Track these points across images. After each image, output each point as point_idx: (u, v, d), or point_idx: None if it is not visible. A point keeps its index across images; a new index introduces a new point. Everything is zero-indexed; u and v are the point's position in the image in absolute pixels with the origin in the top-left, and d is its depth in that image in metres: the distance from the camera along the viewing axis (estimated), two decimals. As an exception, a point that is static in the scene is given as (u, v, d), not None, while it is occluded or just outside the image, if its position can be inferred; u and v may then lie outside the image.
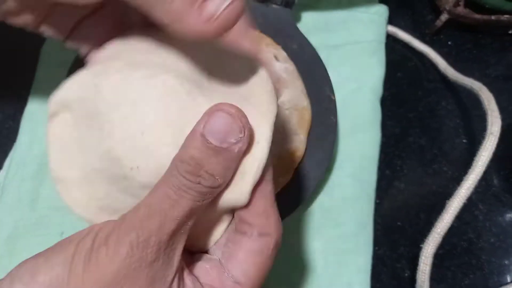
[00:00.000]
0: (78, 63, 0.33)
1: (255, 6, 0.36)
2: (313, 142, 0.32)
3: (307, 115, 0.33)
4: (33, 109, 0.36)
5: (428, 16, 0.43)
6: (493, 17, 0.38)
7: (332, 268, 0.32)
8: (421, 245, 0.32)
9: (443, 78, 0.39)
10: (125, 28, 0.24)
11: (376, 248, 0.34)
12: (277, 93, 0.22)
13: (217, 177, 0.18)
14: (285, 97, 0.33)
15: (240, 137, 0.18)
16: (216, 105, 0.18)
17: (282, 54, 0.34)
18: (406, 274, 0.33)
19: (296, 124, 0.32)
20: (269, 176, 0.20)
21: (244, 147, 0.19)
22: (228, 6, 0.17)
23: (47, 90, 0.36)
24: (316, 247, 0.32)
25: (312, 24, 0.39)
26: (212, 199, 0.19)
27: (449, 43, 0.41)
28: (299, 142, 0.32)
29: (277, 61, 0.34)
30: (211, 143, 0.18)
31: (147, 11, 0.18)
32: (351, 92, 0.37)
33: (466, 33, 0.41)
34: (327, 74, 0.34)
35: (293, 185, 0.31)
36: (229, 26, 0.17)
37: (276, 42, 0.35)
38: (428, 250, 0.31)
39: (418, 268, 0.31)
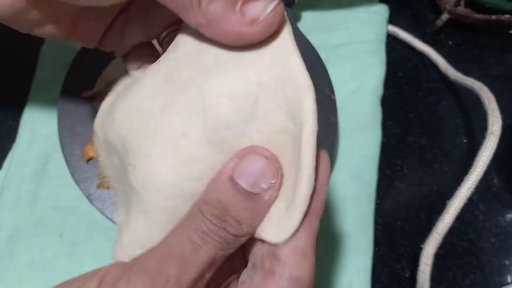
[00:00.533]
0: (78, 64, 0.33)
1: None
2: (313, 142, 0.32)
3: (307, 115, 0.33)
4: (33, 109, 0.36)
5: (429, 15, 0.42)
6: (493, 17, 0.38)
7: (332, 268, 0.32)
8: (421, 245, 0.32)
9: (444, 78, 0.39)
10: (152, 27, 0.23)
11: (377, 248, 0.34)
12: None
13: (243, 225, 0.17)
14: (285, 97, 0.33)
15: (272, 183, 0.17)
16: (248, 147, 0.17)
17: (282, 54, 0.34)
18: (406, 275, 0.33)
19: (296, 124, 0.32)
20: (317, 210, 0.17)
21: (275, 195, 0.17)
22: (273, 9, 0.16)
23: (47, 90, 0.36)
24: (316, 246, 0.32)
25: (312, 24, 0.39)
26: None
27: (450, 43, 0.41)
28: (299, 142, 0.32)
29: (277, 61, 0.34)
30: (241, 187, 0.16)
31: (179, 12, 0.17)
32: (352, 92, 0.37)
33: (467, 33, 0.41)
34: (327, 74, 0.34)
35: (293, 185, 0.31)
36: (272, 29, 0.17)
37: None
38: (429, 250, 0.31)
39: (418, 268, 0.31)
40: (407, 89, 0.40)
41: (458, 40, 0.41)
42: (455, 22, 0.40)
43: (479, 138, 0.36)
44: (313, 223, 0.17)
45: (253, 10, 0.16)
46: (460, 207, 0.31)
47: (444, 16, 0.40)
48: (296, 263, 0.16)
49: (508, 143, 0.37)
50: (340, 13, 0.40)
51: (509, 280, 0.33)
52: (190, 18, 0.17)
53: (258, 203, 0.17)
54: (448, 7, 0.39)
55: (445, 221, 0.31)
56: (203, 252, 0.16)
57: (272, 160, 0.17)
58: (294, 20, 0.37)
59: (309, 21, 0.40)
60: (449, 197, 0.32)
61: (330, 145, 0.32)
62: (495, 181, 0.36)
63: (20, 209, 0.33)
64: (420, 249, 0.32)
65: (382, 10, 0.40)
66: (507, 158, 0.36)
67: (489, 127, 0.32)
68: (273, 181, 0.17)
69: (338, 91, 0.34)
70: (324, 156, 0.18)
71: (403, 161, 0.37)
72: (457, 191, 0.31)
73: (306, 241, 0.17)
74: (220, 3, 0.16)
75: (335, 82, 0.34)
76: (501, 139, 0.32)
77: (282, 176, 0.17)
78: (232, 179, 0.17)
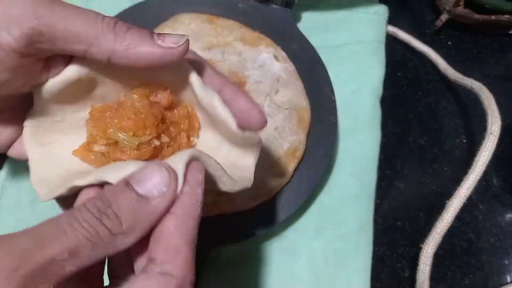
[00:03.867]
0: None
1: (255, 7, 0.36)
2: (313, 142, 0.33)
3: (307, 115, 0.33)
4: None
5: (428, 16, 0.43)
6: (493, 17, 0.39)
7: (332, 268, 0.32)
8: (421, 245, 0.32)
9: (443, 78, 0.39)
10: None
11: (376, 248, 0.34)
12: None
13: (123, 223, 0.17)
14: (284, 97, 0.33)
15: (163, 192, 0.17)
16: (153, 162, 0.18)
17: (282, 54, 0.34)
18: (406, 274, 0.33)
19: (296, 124, 0.32)
20: (190, 210, 0.18)
21: (162, 207, 0.17)
22: (186, 40, 0.20)
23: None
24: (316, 247, 0.33)
25: (312, 24, 0.39)
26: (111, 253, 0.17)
27: (449, 43, 0.41)
28: (298, 142, 0.32)
29: (276, 61, 0.34)
30: (131, 186, 0.17)
31: (89, 42, 0.19)
32: (351, 92, 0.37)
33: (466, 33, 0.42)
34: (327, 74, 0.34)
35: (293, 185, 0.31)
36: (183, 55, 0.20)
37: (276, 42, 0.35)
38: (428, 250, 0.31)
39: (418, 268, 0.31)
40: (406, 89, 0.40)
41: (458, 40, 0.42)
42: (454, 22, 0.41)
43: (478, 138, 0.36)
44: (187, 222, 0.18)
45: (172, 37, 0.20)
46: (459, 207, 0.31)
47: (444, 17, 0.40)
48: (166, 259, 0.17)
49: (508, 143, 0.37)
50: (340, 14, 0.40)
51: (508, 279, 0.33)
52: (103, 46, 0.19)
53: (144, 206, 0.17)
54: (447, 8, 0.39)
55: (445, 221, 0.31)
56: (66, 238, 0.16)
57: (171, 172, 0.18)
58: (294, 21, 0.37)
59: (309, 21, 0.40)
60: (449, 197, 0.32)
61: (330, 145, 0.33)
62: (495, 181, 0.36)
63: (20, 209, 0.33)
64: (419, 249, 0.32)
65: (382, 11, 0.40)
66: (506, 158, 0.36)
67: (489, 127, 0.32)
68: (164, 189, 0.17)
69: (338, 91, 0.34)
70: (197, 164, 0.19)
71: (403, 161, 0.37)
72: (456, 191, 0.31)
73: (178, 238, 0.17)
74: (136, 32, 0.19)
75: (335, 83, 0.34)
76: (500, 139, 0.32)
77: (174, 191, 0.18)
78: (126, 181, 0.18)
